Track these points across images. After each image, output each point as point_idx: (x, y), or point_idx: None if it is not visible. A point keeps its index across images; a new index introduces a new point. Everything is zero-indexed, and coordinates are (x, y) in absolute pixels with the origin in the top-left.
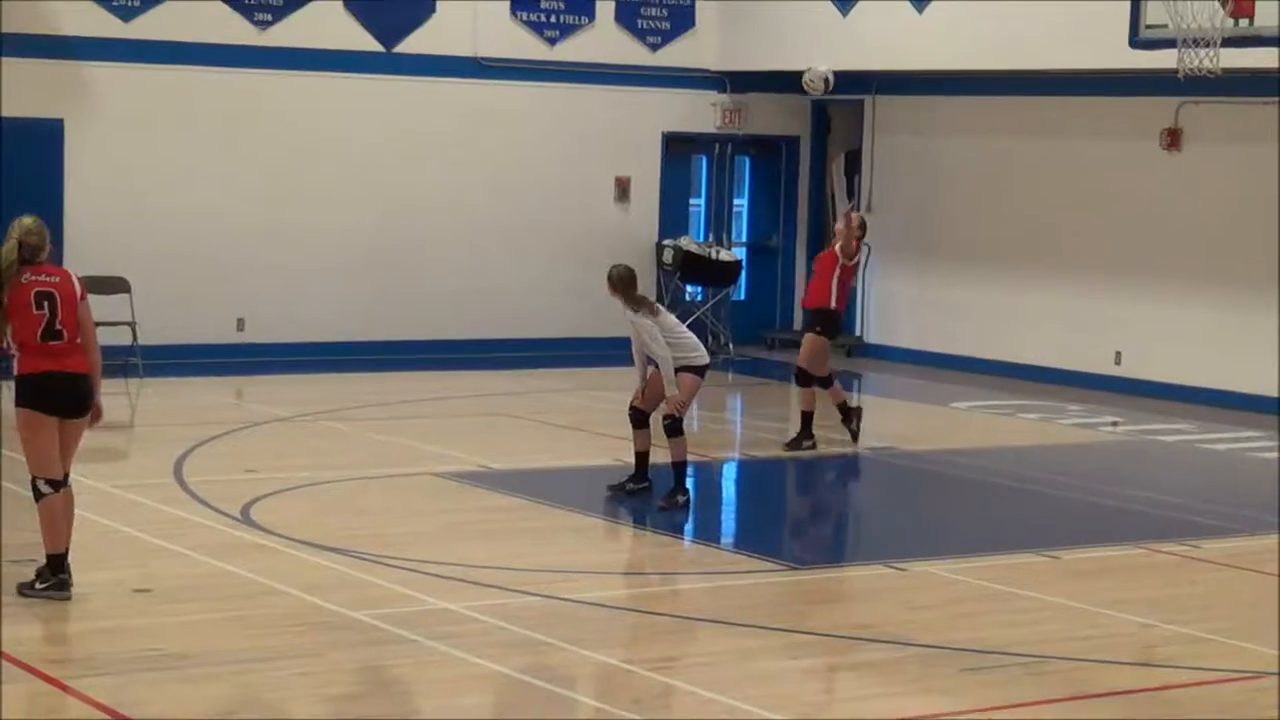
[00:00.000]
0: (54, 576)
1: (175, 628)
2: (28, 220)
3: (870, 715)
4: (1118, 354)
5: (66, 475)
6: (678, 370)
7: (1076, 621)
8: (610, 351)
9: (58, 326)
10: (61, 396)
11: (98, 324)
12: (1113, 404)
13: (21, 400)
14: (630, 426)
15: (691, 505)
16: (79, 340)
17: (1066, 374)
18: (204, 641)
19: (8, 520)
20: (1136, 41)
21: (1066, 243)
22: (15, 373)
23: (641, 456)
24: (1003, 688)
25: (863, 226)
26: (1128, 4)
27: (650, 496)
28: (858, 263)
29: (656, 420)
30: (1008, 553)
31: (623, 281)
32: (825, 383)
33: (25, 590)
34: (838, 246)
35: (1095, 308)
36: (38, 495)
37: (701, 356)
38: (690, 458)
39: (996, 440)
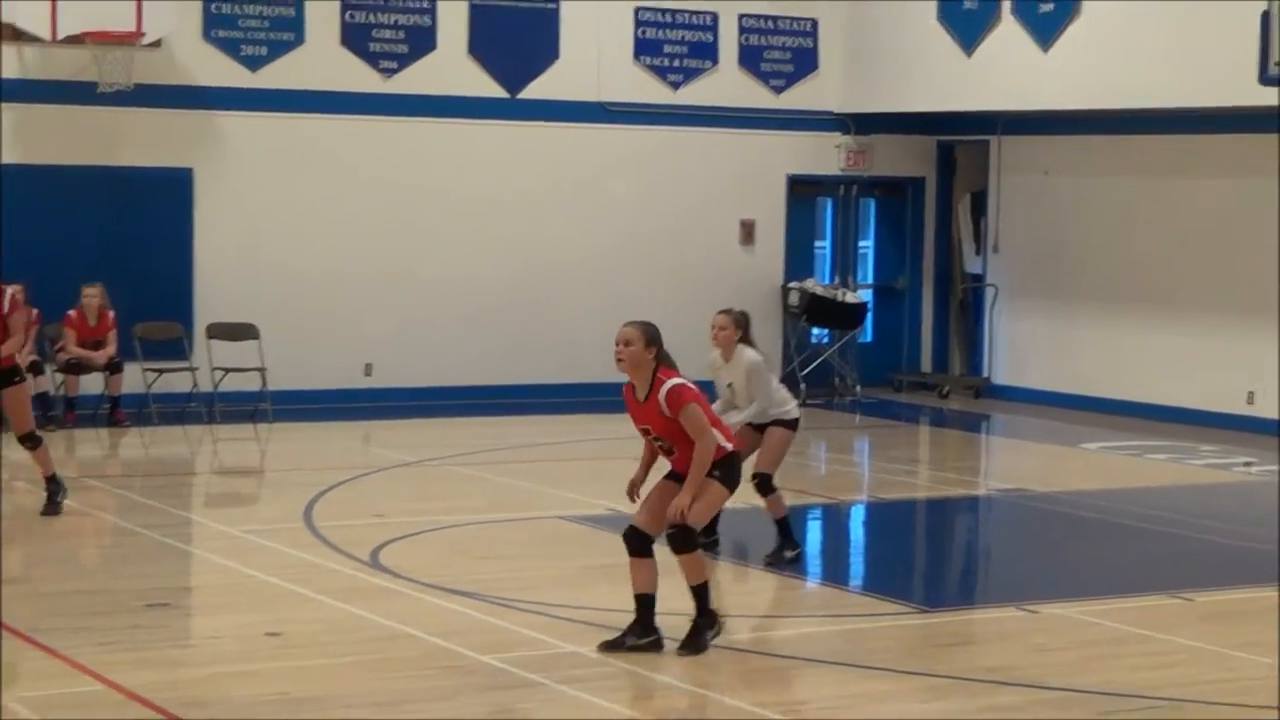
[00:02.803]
0: None
1: (306, 672)
2: None
3: None
4: (1250, 394)
5: None
6: (772, 423)
7: (1210, 665)
8: None
9: None
10: None
11: (228, 370)
12: (1245, 444)
13: None
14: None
15: (803, 557)
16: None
17: (1198, 414)
18: (334, 685)
19: (146, 566)
20: (1266, 78)
21: (1196, 281)
22: None
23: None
24: None
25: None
26: (1256, 40)
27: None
28: None
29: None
30: (1139, 595)
31: (747, 322)
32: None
33: None
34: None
35: (1227, 346)
36: None
37: (795, 409)
38: (818, 500)
39: (1127, 481)
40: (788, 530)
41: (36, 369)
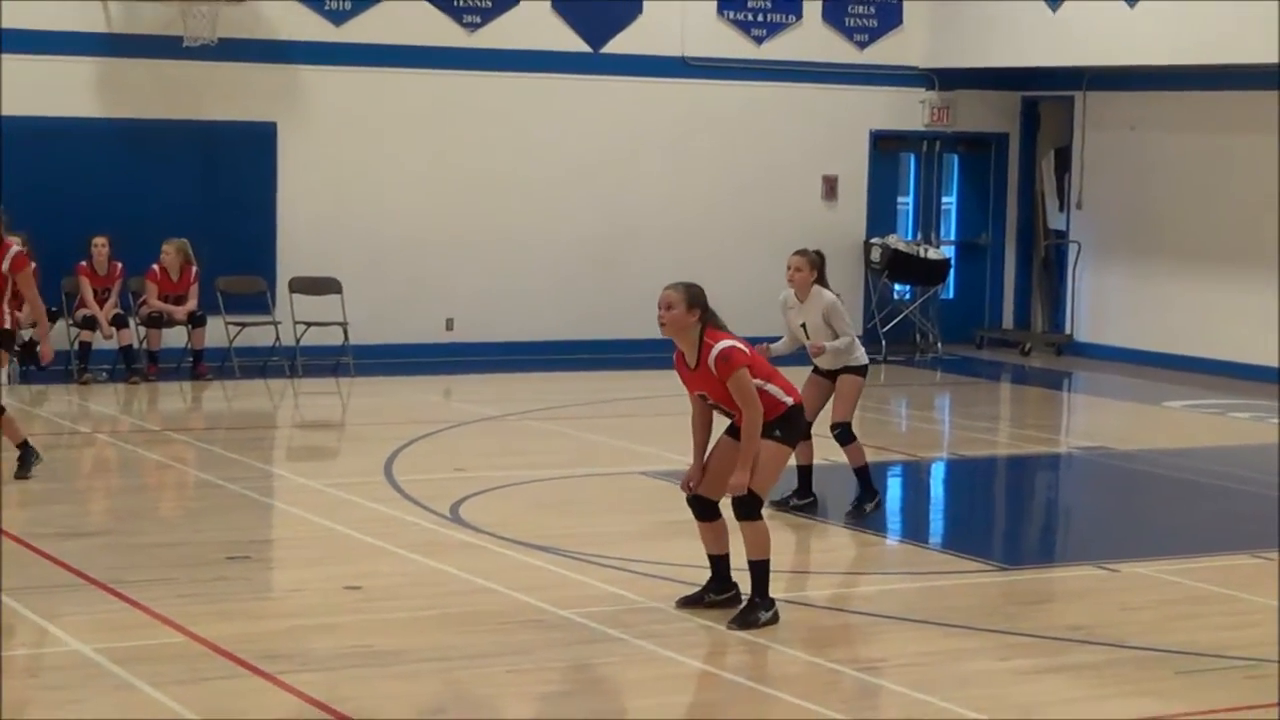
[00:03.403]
0: None
1: (386, 625)
2: None
3: (1084, 717)
4: None
5: None
6: (842, 370)
7: None
8: None
9: None
10: None
11: (310, 324)
12: None
13: None
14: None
15: (883, 506)
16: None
17: None
18: (414, 639)
19: (227, 519)
20: None
21: None
22: None
23: (805, 470)
24: (1218, 690)
25: None
26: None
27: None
28: None
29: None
30: (1221, 554)
31: (822, 262)
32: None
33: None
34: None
35: None
36: None
37: (864, 354)
38: (898, 457)
39: (1209, 440)
40: (868, 479)
41: (120, 322)
